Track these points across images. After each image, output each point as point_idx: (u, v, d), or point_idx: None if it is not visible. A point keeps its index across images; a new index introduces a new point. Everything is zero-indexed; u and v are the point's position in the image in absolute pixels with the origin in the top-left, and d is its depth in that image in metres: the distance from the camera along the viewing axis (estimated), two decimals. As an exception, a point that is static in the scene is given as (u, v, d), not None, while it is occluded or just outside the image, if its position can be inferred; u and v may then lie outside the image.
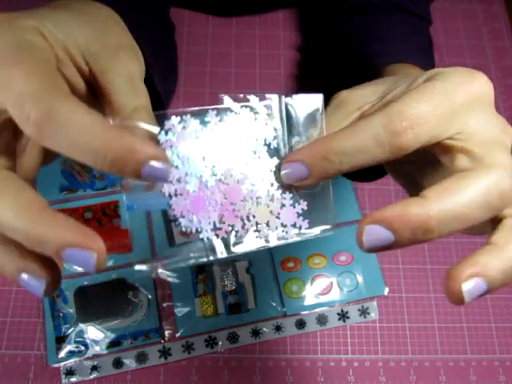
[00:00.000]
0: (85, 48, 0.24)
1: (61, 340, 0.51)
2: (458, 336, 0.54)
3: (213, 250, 0.23)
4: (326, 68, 0.55)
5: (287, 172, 0.23)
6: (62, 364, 0.50)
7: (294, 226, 0.24)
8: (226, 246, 0.23)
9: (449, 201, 0.20)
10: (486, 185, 0.20)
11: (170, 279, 0.54)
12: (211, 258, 0.23)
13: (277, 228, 0.24)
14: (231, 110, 0.25)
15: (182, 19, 0.67)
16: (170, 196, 0.23)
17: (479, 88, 0.22)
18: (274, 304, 0.54)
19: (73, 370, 0.50)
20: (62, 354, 0.50)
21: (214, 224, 0.24)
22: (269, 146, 0.25)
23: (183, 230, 0.23)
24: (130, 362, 0.51)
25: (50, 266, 0.20)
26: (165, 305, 0.53)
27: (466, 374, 0.53)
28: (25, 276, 0.20)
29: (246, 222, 0.24)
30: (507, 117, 0.64)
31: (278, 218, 0.24)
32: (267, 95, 0.25)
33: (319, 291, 0.54)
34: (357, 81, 0.30)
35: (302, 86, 0.65)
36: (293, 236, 0.24)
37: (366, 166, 0.22)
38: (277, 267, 0.55)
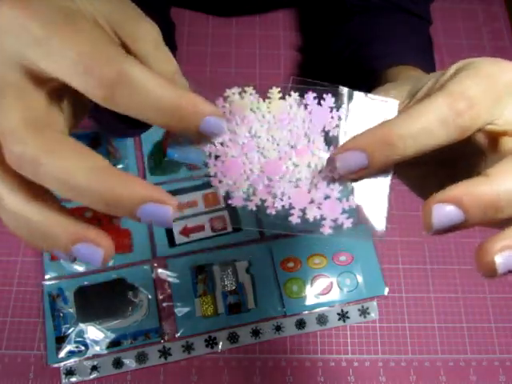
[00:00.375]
0: (108, 16, 0.23)
1: (61, 340, 0.51)
2: (458, 336, 0.54)
3: (237, 218, 0.23)
4: (326, 69, 0.55)
5: (343, 162, 0.22)
6: (62, 364, 0.50)
7: (334, 221, 0.23)
8: (251, 218, 0.23)
9: (510, 182, 0.19)
10: None
11: (170, 279, 0.54)
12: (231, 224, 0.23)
13: (315, 218, 0.23)
14: (295, 90, 0.24)
15: (182, 19, 0.67)
16: (209, 155, 0.23)
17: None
18: (274, 304, 0.54)
19: (73, 370, 0.50)
20: (62, 354, 0.50)
21: (247, 193, 0.23)
22: (327, 133, 0.24)
23: (216, 190, 0.23)
24: (130, 362, 0.51)
25: (103, 234, 0.20)
26: (165, 305, 0.53)
27: (466, 373, 0.53)
28: (80, 245, 0.19)
29: (278, 200, 0.23)
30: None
31: (319, 208, 0.23)
32: (340, 86, 0.24)
33: (319, 291, 0.54)
34: (357, 84, 0.30)
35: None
36: (329, 232, 0.22)
37: (428, 151, 0.21)
38: (277, 267, 0.55)
